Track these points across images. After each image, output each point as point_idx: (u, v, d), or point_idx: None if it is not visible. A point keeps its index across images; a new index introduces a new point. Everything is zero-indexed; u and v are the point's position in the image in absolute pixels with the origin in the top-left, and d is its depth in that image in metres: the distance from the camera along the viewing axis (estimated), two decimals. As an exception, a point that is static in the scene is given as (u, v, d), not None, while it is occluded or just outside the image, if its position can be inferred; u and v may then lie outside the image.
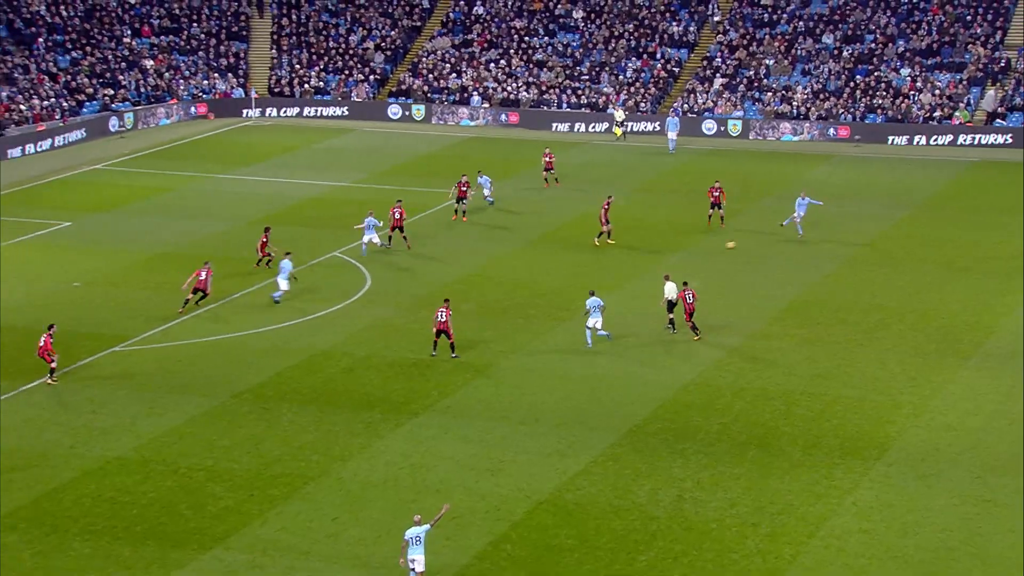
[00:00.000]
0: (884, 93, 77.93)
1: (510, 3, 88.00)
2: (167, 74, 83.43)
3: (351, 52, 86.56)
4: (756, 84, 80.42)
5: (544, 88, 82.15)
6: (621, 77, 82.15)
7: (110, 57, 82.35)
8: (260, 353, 42.40)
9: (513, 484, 33.26)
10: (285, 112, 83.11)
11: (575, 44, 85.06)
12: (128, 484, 33.38)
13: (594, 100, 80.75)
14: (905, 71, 79.17)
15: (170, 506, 32.25)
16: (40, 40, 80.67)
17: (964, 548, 30.25)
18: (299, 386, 39.78)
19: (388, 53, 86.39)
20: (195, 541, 30.62)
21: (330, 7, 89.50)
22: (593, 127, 78.51)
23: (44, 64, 79.34)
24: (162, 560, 29.80)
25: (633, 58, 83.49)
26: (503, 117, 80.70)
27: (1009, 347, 42.65)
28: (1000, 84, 77.56)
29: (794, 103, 78.46)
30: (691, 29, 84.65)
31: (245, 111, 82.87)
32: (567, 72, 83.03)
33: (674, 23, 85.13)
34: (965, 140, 74.39)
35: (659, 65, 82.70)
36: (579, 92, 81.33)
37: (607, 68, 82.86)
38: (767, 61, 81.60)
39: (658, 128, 76.61)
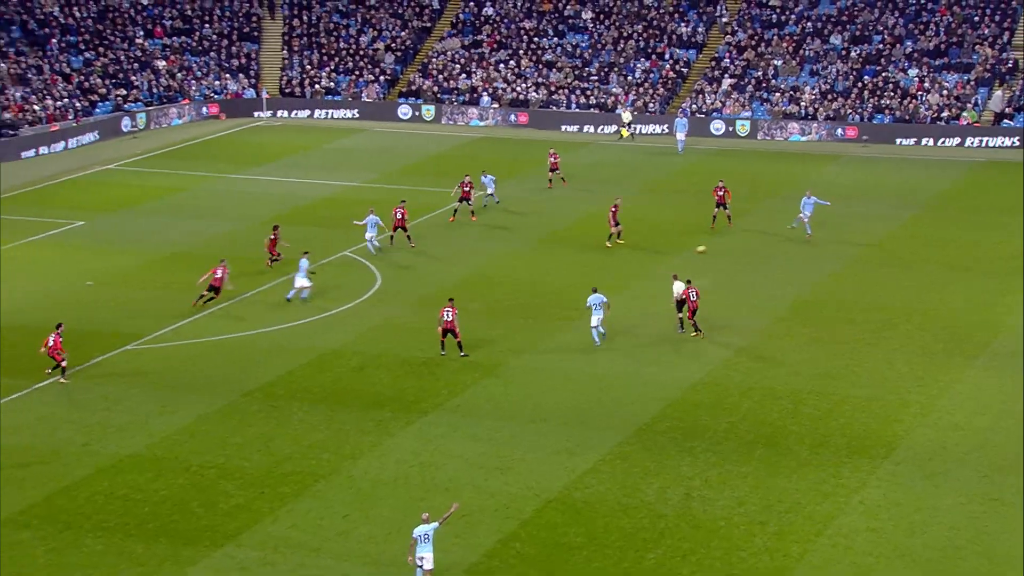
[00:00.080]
0: (892, 94, 78.04)
1: (519, 4, 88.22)
2: (179, 75, 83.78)
3: (362, 53, 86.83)
4: (764, 85, 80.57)
5: (553, 88, 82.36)
6: (630, 78, 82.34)
7: (123, 58, 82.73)
8: (271, 352, 42.65)
9: (522, 482, 33.43)
10: (296, 113, 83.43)
11: (584, 45, 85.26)
12: (140, 481, 33.61)
13: (603, 100, 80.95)
14: (913, 72, 79.26)
15: (182, 503, 32.46)
16: (53, 41, 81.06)
17: (971, 547, 30.32)
18: (310, 384, 40.02)
19: (398, 54, 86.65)
20: (207, 538, 30.81)
21: (341, 8, 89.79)
22: (602, 129, 78.71)
23: (57, 65, 79.74)
24: (174, 557, 30.01)
25: (642, 59, 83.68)
26: (512, 117, 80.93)
27: (1016, 346, 42.69)
28: (1008, 85, 77.60)
29: (802, 103, 78.60)
30: (699, 30, 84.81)
31: (256, 112, 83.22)
32: (576, 73, 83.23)
33: (683, 24, 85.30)
34: (972, 141, 74.49)
35: (668, 66, 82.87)
36: (588, 92, 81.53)
37: (616, 69, 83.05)
38: (775, 62, 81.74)
39: (666, 131, 76.78)
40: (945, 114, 76.42)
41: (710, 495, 32.73)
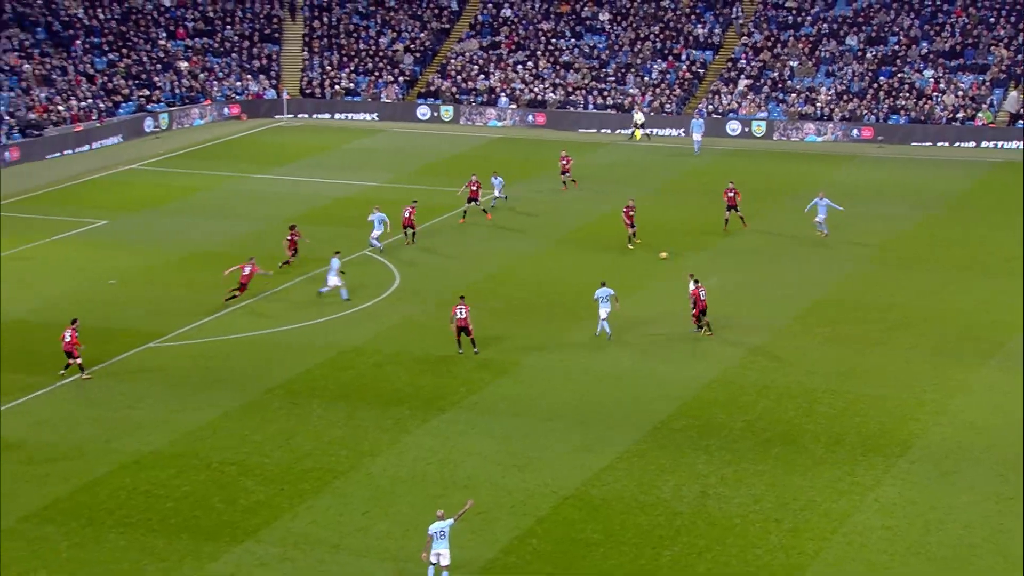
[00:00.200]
0: (907, 94, 78.09)
1: (537, 6, 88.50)
2: (201, 76, 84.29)
3: (381, 54, 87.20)
4: (780, 85, 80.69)
5: (570, 89, 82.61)
6: (646, 78, 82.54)
7: (146, 59, 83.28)
8: (291, 349, 42.97)
9: (539, 479, 33.61)
10: (316, 113, 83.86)
11: (601, 46, 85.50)
12: (162, 478, 33.89)
13: (620, 101, 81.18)
14: (928, 72, 79.29)
15: (203, 500, 32.71)
16: (78, 42, 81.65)
17: (986, 545, 30.37)
18: (329, 382, 40.31)
19: (417, 55, 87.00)
20: (228, 534, 31.04)
21: (361, 10, 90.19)
22: (619, 131, 78.90)
23: (82, 66, 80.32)
24: (196, 552, 30.24)
25: (658, 60, 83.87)
26: (530, 118, 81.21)
27: (1031, 346, 42.89)
28: (1023, 86, 77.74)
29: (818, 104, 78.70)
30: (716, 31, 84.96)
31: (277, 112, 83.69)
32: (593, 73, 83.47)
33: (699, 25, 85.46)
34: (988, 141, 74.49)
35: (684, 67, 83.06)
36: (605, 93, 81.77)
37: (633, 70, 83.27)
38: (791, 63, 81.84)
39: (682, 134, 76.94)
40: (960, 115, 76.44)
41: (726, 493, 32.87)
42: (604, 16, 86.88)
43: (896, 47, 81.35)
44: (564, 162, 64.48)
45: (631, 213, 54.17)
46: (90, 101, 77.58)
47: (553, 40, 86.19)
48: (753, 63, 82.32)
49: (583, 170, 65.24)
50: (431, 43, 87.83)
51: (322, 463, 34.71)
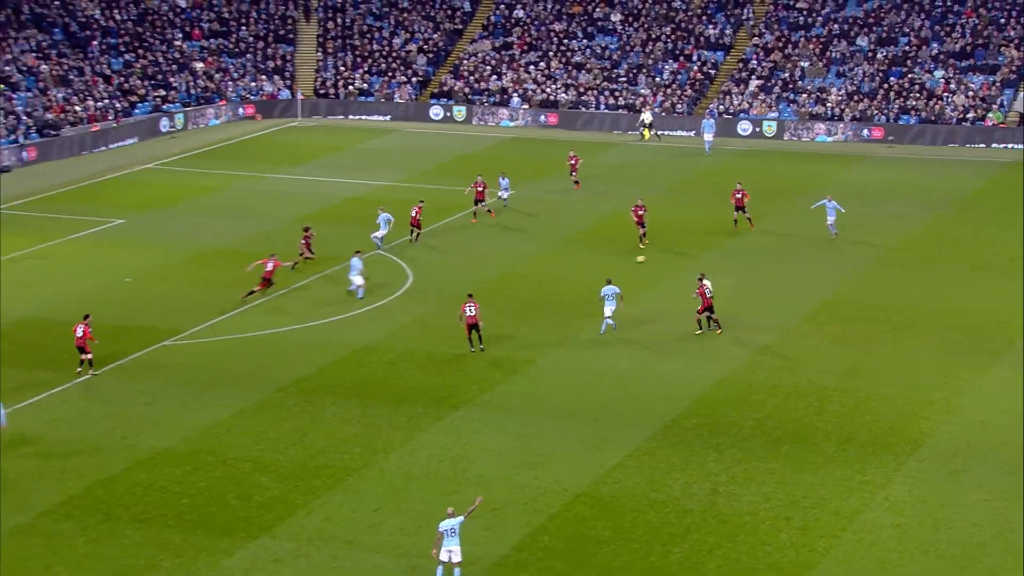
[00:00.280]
0: (918, 95, 78.19)
1: (549, 6, 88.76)
2: (216, 76, 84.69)
3: (394, 55, 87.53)
4: (791, 86, 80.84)
5: (582, 90, 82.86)
6: (658, 79, 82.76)
7: (161, 60, 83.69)
8: (305, 347, 43.24)
9: (551, 477, 33.80)
10: (330, 113, 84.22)
11: (613, 47, 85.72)
12: (178, 474, 34.14)
13: (631, 102, 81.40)
14: (939, 73, 79.37)
15: (218, 496, 32.94)
16: (94, 43, 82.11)
17: (995, 543, 30.43)
18: (342, 380, 40.56)
19: (430, 55, 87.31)
20: (242, 530, 31.25)
21: (374, 11, 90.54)
22: (631, 131, 79.13)
23: (98, 66, 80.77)
24: (211, 548, 30.45)
25: (670, 60, 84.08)
26: (542, 118, 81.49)
27: (1040, 346, 43.01)
28: (1036, 86, 77.72)
29: (828, 104, 78.84)
30: (727, 32, 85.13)
31: (291, 113, 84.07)
32: (605, 74, 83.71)
33: (710, 26, 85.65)
34: (998, 142, 74.56)
35: (695, 67, 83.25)
36: (616, 94, 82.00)
37: (644, 70, 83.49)
38: (802, 63, 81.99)
39: (694, 135, 77.09)
40: (971, 115, 76.53)
41: (736, 491, 33.01)
42: (616, 17, 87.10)
43: (907, 48, 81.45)
44: (572, 161, 64.76)
45: (640, 212, 54.33)
46: (106, 101, 78.03)
47: (565, 41, 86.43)
48: (764, 64, 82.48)
49: (594, 170, 65.41)
50: (444, 44, 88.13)
51: (336, 460, 34.94)
